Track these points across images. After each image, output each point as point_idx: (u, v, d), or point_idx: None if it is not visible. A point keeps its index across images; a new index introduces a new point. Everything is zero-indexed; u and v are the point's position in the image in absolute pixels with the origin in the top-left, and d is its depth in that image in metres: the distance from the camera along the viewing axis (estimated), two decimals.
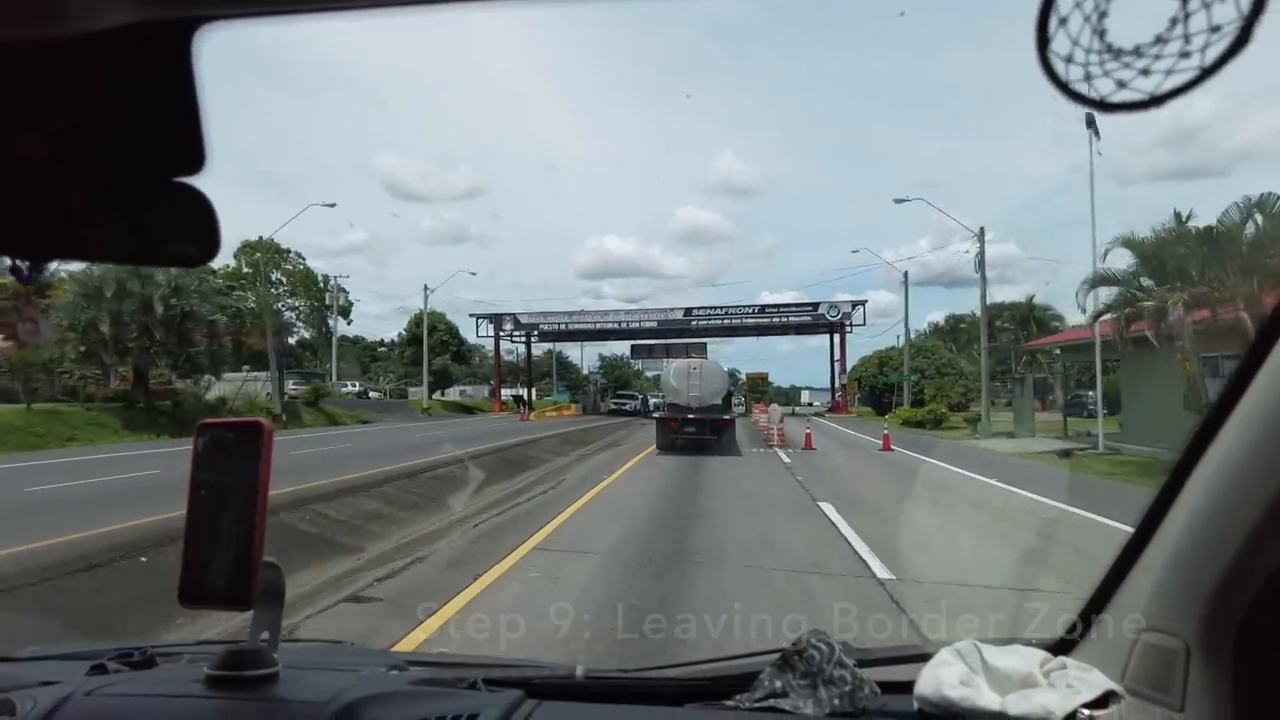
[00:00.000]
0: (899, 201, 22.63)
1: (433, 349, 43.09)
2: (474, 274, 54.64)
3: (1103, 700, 0.65)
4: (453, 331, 46.41)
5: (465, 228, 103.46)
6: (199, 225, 0.50)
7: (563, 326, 42.52)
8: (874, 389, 39.13)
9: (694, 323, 40.55)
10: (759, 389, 55.14)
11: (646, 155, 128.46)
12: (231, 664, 0.67)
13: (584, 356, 69.34)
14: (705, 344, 41.72)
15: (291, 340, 45.37)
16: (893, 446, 13.69)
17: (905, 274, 31.72)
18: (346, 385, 40.22)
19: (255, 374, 30.74)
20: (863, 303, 38.59)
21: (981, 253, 20.00)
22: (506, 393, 49.04)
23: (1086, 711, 0.64)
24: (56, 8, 0.36)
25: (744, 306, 40.02)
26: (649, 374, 60.71)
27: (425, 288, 38.35)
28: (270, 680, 0.67)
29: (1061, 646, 0.79)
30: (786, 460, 11.66)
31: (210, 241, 0.51)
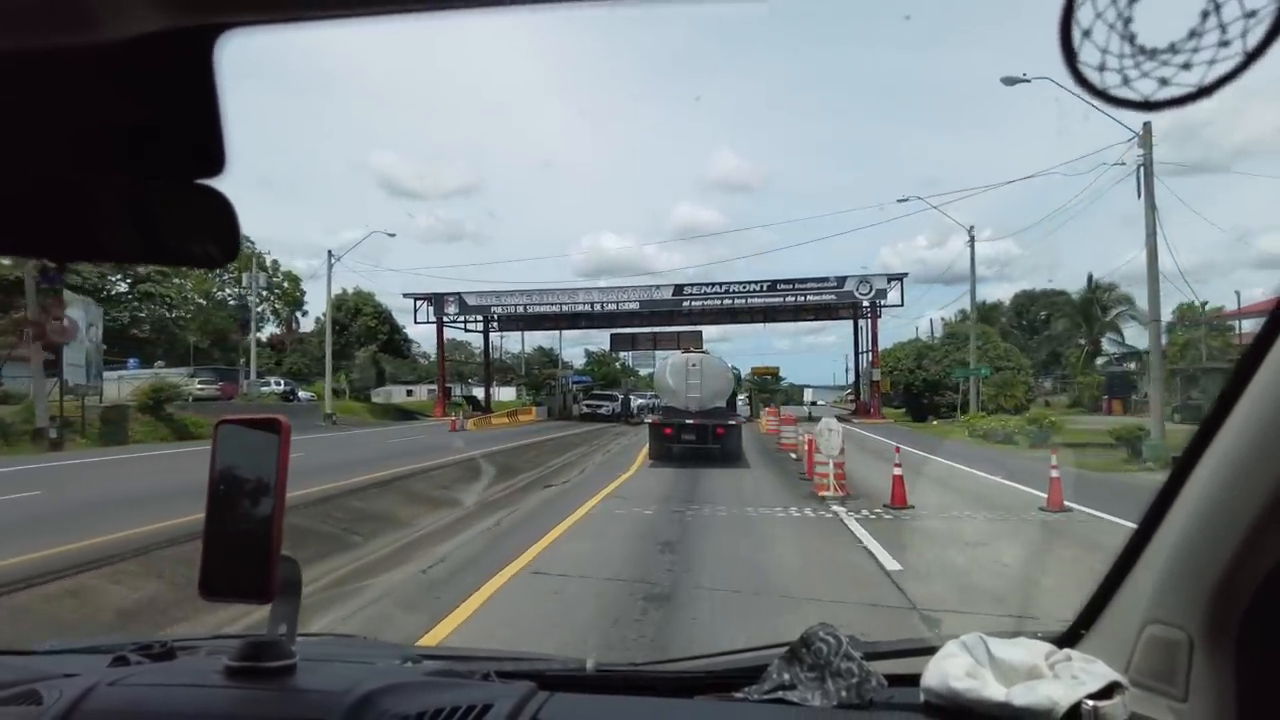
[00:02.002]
0: (1011, 82, 22.33)
1: (357, 338, 52.23)
2: (392, 235, 63.65)
3: (1107, 691, 1.05)
4: (383, 316, 53.97)
5: (461, 226, 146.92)
6: (220, 226, 0.78)
7: (521, 309, 48.88)
8: (909, 388, 44.90)
9: (686, 304, 47.00)
10: (767, 388, 58.71)
11: (644, 152, 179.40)
12: (250, 655, 1.08)
13: (563, 350, 77.19)
14: (700, 332, 50.29)
15: (262, 335, 55.18)
16: (1067, 502, 10.97)
17: (970, 229, 36.46)
18: (270, 384, 48.07)
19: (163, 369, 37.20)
20: (901, 278, 44.57)
21: (1148, 163, 19.62)
22: (490, 393, 57.36)
23: (1091, 702, 1.03)
24: (85, 16, 0.54)
25: (750, 283, 46.36)
26: (643, 371, 67.52)
27: (329, 254, 41.71)
28: (288, 671, 1.08)
29: (1067, 639, 1.23)
30: (886, 559, 7.85)
31: (231, 242, 0.79)
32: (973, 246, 36.58)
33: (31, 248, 0.86)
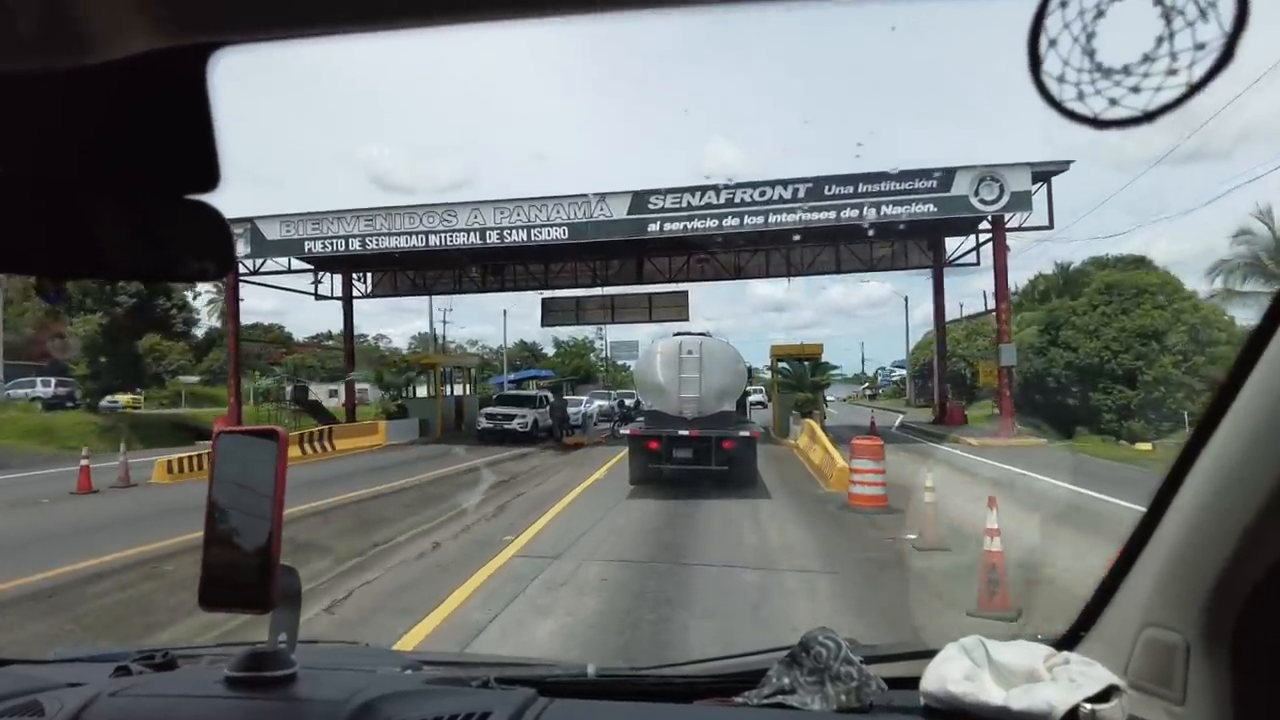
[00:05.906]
0: None
1: (79, 304, 34.70)
2: None
3: (1105, 694, 1.07)
4: None
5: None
6: (214, 241, 0.82)
7: (361, 246, 27.53)
8: (1034, 379, 28.46)
9: (657, 228, 24.84)
10: (802, 383, 31.03)
11: (636, 145, 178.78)
12: (251, 665, 1.10)
13: (507, 328, 62.70)
14: (686, 293, 31.91)
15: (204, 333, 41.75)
16: None
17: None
18: (37, 385, 33.77)
19: None
20: (1052, 174, 23.60)
21: None
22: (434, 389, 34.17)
23: (1089, 706, 1.05)
24: (81, 40, 0.56)
25: (774, 184, 24.27)
26: (627, 363, 49.15)
27: None
28: (289, 681, 1.10)
29: (1066, 642, 1.24)
30: None
31: (225, 256, 0.84)
32: None
33: (28, 265, 0.86)
